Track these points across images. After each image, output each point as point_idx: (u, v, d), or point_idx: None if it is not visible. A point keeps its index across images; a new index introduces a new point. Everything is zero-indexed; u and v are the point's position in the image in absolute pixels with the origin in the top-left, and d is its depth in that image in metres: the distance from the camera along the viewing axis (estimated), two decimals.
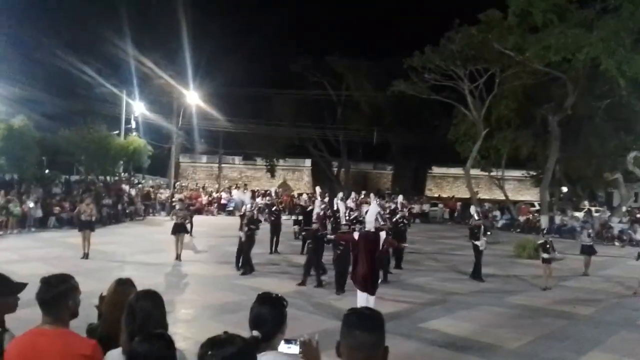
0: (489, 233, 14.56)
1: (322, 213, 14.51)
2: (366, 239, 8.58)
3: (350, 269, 9.08)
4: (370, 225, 8.90)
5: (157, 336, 2.36)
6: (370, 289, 8.41)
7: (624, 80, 15.33)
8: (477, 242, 13.27)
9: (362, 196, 24.08)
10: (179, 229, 14.56)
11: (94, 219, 14.74)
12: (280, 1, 48.87)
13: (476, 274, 13.15)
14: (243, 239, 12.87)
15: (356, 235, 8.86)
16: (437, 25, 21.71)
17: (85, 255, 13.81)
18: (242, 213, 14.85)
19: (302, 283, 11.41)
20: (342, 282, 10.75)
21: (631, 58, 15.22)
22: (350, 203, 16.87)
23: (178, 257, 14.13)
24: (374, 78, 35.47)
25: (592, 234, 15.33)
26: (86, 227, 14.15)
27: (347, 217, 12.20)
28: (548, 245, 12.80)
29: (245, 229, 12.95)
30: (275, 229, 16.71)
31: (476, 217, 13.93)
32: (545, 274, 12.59)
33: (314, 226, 12.62)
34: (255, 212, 14.11)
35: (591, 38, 15.24)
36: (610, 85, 18.36)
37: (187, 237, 18.69)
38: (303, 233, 14.63)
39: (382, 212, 13.04)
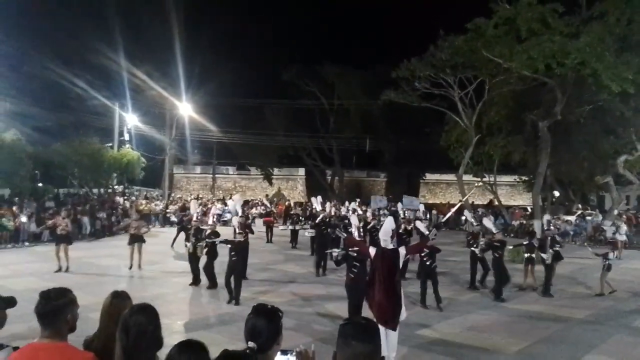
0: (558, 246, 13.15)
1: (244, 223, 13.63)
2: (383, 257, 6.86)
3: (365, 295, 7.28)
4: (386, 243, 7.09)
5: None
6: (390, 322, 6.66)
7: (615, 85, 15.40)
8: (543, 255, 12.57)
9: (357, 204, 24.14)
10: (135, 240, 14.36)
11: (69, 232, 14.58)
12: (272, 11, 49.30)
13: (545, 290, 12.31)
14: (190, 250, 12.42)
15: (372, 251, 7.07)
16: (427, 32, 21.88)
17: (66, 269, 13.62)
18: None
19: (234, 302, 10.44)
20: (357, 313, 8.20)
21: (616, 64, 15.35)
22: (368, 213, 16.22)
23: (131, 267, 14.11)
24: (365, 86, 35.62)
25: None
26: (63, 240, 13.96)
27: (361, 231, 10.18)
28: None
29: (193, 239, 12.44)
30: (322, 246, 14.25)
31: (545, 227, 13.35)
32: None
33: (238, 237, 11.04)
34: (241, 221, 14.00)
35: (578, 44, 15.40)
36: (595, 90, 18.48)
37: (182, 248, 18.76)
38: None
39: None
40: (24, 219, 19.91)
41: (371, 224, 14.67)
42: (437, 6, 45.53)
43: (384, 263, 6.82)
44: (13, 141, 22.59)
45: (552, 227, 13.51)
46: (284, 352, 2.42)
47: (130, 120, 32.76)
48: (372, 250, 7.08)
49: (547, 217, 14.64)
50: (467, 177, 25.97)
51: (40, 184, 27.85)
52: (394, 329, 6.73)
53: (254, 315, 2.49)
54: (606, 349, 8.20)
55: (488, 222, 13.18)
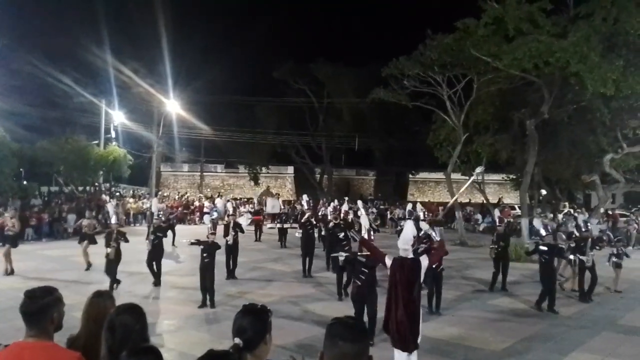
0: (597, 248, 12.22)
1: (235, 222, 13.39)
2: (402, 268, 5.90)
3: (384, 314, 6.14)
4: (406, 252, 6.09)
5: (146, 350, 2.35)
6: (411, 343, 5.77)
7: (597, 85, 15.49)
8: (582, 257, 11.61)
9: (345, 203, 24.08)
10: (85, 239, 14.17)
11: (17, 232, 14.20)
12: (262, 10, 49.19)
13: (583, 295, 11.57)
14: (149, 247, 12.21)
15: (388, 261, 6.06)
16: (419, 31, 21.96)
17: (11, 272, 13.06)
18: (226, 222, 14.68)
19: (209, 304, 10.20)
20: (371, 329, 7.66)
21: (600, 65, 15.49)
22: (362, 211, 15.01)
23: (89, 267, 13.80)
24: (355, 85, 35.65)
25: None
26: (8, 242, 13.58)
27: (372, 234, 9.05)
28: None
29: (152, 237, 12.20)
30: (307, 246, 14.12)
31: (583, 228, 12.47)
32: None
33: (211, 238, 10.63)
34: (230, 219, 13.81)
35: (563, 43, 15.53)
36: (578, 90, 18.60)
37: (169, 246, 18.66)
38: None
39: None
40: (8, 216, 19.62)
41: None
42: (428, 4, 45.77)
43: (403, 275, 5.87)
44: None
45: (589, 227, 12.50)
46: None
47: (117, 117, 32.49)
48: (389, 260, 6.08)
49: (582, 217, 14.09)
50: (455, 176, 26.13)
51: (25, 182, 27.49)
52: (413, 350, 5.82)
53: (242, 314, 2.48)
54: (592, 346, 8.28)
55: (538, 223, 12.46)
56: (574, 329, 9.21)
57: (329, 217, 15.29)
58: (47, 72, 27.18)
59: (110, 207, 13.48)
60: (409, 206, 17.09)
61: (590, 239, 11.88)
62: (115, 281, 11.46)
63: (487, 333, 8.80)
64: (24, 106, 27.08)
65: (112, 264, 11.46)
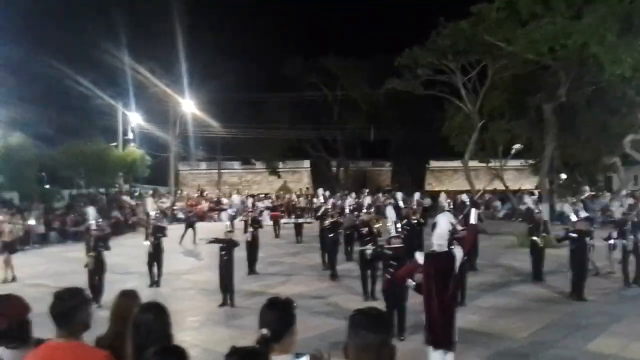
0: (631, 237, 11.47)
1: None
2: (437, 264, 5.63)
3: (424, 317, 5.75)
4: (441, 247, 5.69)
5: (171, 351, 2.38)
6: (447, 341, 5.51)
7: (615, 67, 15.14)
8: (623, 241, 11.41)
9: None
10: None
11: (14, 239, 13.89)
12: (273, 5, 49.07)
13: (627, 279, 11.36)
14: (150, 250, 11.95)
15: (420, 258, 5.81)
16: (429, 20, 21.76)
17: (12, 279, 12.91)
18: (244, 218, 14.71)
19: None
20: (401, 324, 7.80)
21: (617, 45, 15.18)
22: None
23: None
24: (368, 76, 35.53)
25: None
26: (6, 248, 13.21)
27: (398, 227, 8.47)
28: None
29: (152, 238, 12.00)
30: (325, 239, 13.79)
31: (625, 211, 12.10)
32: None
33: (229, 235, 10.37)
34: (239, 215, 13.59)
35: (579, 25, 15.25)
36: (597, 72, 18.23)
37: (190, 244, 18.90)
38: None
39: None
40: (32, 221, 20.05)
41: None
42: None
43: (437, 270, 5.61)
44: (19, 145, 22.70)
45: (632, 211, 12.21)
46: (299, 355, 2.42)
47: (134, 118, 32.85)
48: (420, 257, 5.80)
49: (629, 200, 13.48)
50: (473, 163, 25.91)
51: (47, 186, 28.02)
52: (450, 349, 5.52)
53: (267, 307, 2.53)
54: (617, 330, 8.20)
55: (567, 208, 11.99)
56: (598, 315, 9.11)
57: (329, 213, 14.36)
58: (63, 75, 27.46)
59: (91, 211, 11.36)
60: (417, 195, 16.35)
61: (630, 222, 11.46)
62: (97, 295, 9.54)
63: (509, 320, 8.76)
64: (42, 110, 27.46)
65: (92, 275, 10.25)
